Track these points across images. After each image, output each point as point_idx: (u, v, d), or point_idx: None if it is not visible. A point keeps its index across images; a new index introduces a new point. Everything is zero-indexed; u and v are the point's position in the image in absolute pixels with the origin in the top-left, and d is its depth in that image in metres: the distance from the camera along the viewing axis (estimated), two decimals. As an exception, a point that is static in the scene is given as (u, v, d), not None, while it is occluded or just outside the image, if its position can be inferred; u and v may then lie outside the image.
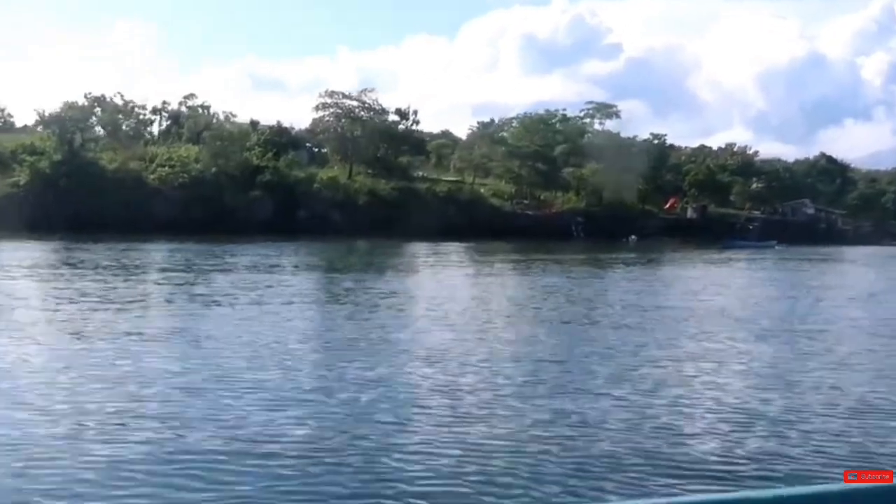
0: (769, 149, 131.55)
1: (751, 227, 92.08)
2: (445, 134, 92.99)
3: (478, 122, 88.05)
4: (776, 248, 64.49)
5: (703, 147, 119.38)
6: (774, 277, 38.07)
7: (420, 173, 74.34)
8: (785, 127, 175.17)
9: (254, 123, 70.69)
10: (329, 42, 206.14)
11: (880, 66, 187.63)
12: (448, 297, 24.24)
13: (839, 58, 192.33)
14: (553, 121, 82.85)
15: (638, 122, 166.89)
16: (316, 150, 74.00)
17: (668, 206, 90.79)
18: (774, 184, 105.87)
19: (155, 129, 75.42)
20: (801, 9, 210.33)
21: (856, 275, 39.88)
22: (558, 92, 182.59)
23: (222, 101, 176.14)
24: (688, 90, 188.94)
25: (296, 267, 34.28)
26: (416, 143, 73.14)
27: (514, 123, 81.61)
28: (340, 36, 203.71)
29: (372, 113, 67.41)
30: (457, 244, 54.84)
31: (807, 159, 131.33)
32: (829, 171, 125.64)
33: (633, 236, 67.48)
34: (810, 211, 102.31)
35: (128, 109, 72.77)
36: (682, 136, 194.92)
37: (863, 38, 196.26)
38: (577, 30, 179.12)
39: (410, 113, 72.13)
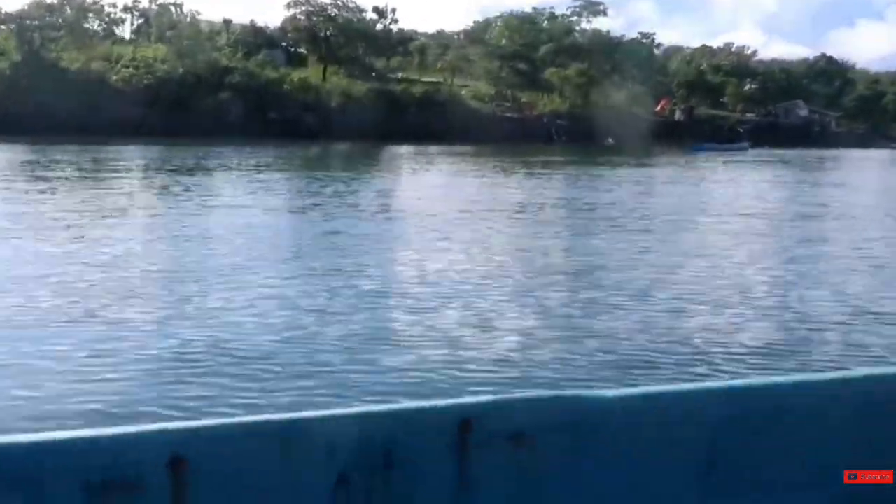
0: (779, 50, 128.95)
1: (741, 130, 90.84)
2: (440, 34, 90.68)
3: (473, 22, 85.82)
4: (749, 151, 62.65)
5: (704, 47, 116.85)
6: (716, 179, 37.32)
7: (400, 74, 72.74)
8: (795, 27, 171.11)
9: (226, 22, 68.93)
10: None
11: None
12: (392, 203, 23.86)
13: None
14: (540, 20, 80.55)
15: (645, 22, 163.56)
16: (293, 50, 72.20)
17: (658, 108, 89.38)
18: (769, 85, 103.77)
19: (127, 28, 73.63)
20: None
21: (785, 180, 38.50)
22: None
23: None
24: None
25: (265, 168, 33.74)
26: (394, 43, 71.17)
27: (499, 22, 79.41)
28: None
29: (346, 11, 65.30)
30: (431, 147, 53.96)
31: (805, 59, 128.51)
32: (828, 73, 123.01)
33: (609, 139, 66.38)
34: (804, 113, 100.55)
35: (97, 8, 70.89)
36: (691, 37, 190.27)
37: None
38: None
39: (388, 11, 70.10)
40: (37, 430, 2.05)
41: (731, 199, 26.76)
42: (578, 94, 76.55)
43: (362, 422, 2.04)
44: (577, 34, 79.69)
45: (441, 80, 72.23)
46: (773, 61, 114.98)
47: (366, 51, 69.53)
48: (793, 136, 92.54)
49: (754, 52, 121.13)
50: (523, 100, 74.19)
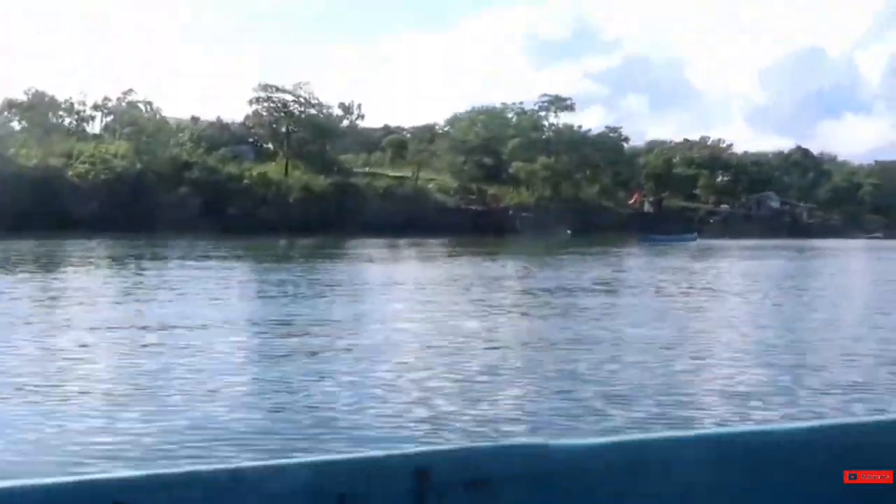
0: (767, 143, 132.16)
1: (711, 221, 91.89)
2: (427, 128, 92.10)
3: (444, 120, 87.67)
4: (696, 241, 63.36)
5: (686, 141, 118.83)
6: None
7: (367, 168, 73.72)
8: (783, 120, 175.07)
9: (194, 119, 70.15)
10: (327, 32, 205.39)
11: (879, 60, 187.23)
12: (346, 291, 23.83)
13: (838, 52, 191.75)
14: (507, 114, 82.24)
15: (637, 117, 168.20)
16: (261, 145, 73.35)
17: (632, 200, 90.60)
18: (741, 177, 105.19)
19: (97, 125, 74.93)
20: (798, 3, 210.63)
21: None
22: (559, 87, 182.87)
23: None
24: (687, 85, 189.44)
25: (219, 259, 33.59)
26: (360, 138, 72.36)
27: (466, 117, 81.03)
28: (338, 27, 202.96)
29: (309, 107, 66.53)
30: (395, 239, 54.19)
31: (780, 152, 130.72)
32: (802, 164, 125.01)
33: (568, 231, 67.21)
34: (775, 204, 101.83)
35: (67, 106, 72.38)
36: (681, 131, 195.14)
37: (861, 32, 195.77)
38: (576, 26, 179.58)
39: (354, 107, 71.48)
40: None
41: (645, 280, 27.48)
42: (545, 187, 77.52)
43: (316, 471, 1.96)
44: (544, 129, 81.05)
45: (408, 174, 73.18)
46: (746, 154, 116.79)
47: (331, 146, 70.51)
48: (765, 226, 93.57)
49: (729, 145, 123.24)
50: (490, 192, 75.06)
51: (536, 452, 2.15)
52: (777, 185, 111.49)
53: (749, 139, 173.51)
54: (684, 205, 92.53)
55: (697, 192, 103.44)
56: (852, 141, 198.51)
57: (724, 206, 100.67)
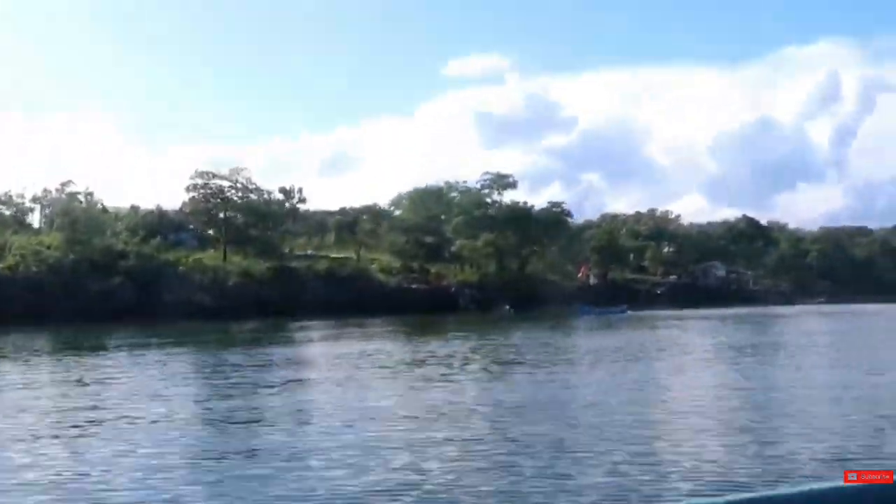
0: (724, 214, 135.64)
1: (658, 292, 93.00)
2: (368, 209, 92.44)
3: (389, 201, 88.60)
4: (626, 313, 64.60)
5: (636, 214, 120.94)
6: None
7: (309, 251, 73.94)
8: (739, 191, 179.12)
9: (134, 208, 70.21)
10: (292, 123, 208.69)
11: (827, 130, 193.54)
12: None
13: (788, 123, 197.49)
14: (448, 193, 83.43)
15: (595, 192, 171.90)
16: (203, 233, 73.35)
17: (580, 274, 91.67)
18: (687, 247, 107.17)
19: (37, 217, 74.67)
20: (748, 77, 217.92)
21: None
22: (515, 165, 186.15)
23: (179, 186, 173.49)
24: (643, 158, 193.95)
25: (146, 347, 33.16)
26: (311, 222, 72.73)
27: (407, 198, 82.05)
28: (302, 118, 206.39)
29: (246, 193, 66.89)
30: (337, 321, 53.89)
31: (725, 221, 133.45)
32: (748, 233, 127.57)
33: (507, 306, 67.91)
34: (721, 273, 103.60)
35: (6, 198, 72.21)
36: (639, 203, 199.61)
37: (809, 104, 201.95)
38: (532, 105, 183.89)
39: (295, 192, 72.03)
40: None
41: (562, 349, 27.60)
42: (489, 264, 78.25)
43: None
44: (487, 206, 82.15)
45: (351, 255, 73.47)
46: (692, 225, 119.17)
47: (274, 231, 70.73)
48: (711, 295, 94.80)
49: (677, 217, 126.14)
50: (433, 271, 75.49)
51: None
52: (723, 255, 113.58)
53: (705, 211, 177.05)
54: (633, 276, 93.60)
55: (646, 264, 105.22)
56: (806, 209, 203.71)
57: (673, 277, 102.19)
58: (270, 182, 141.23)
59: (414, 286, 69.28)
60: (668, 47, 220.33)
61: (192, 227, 71.74)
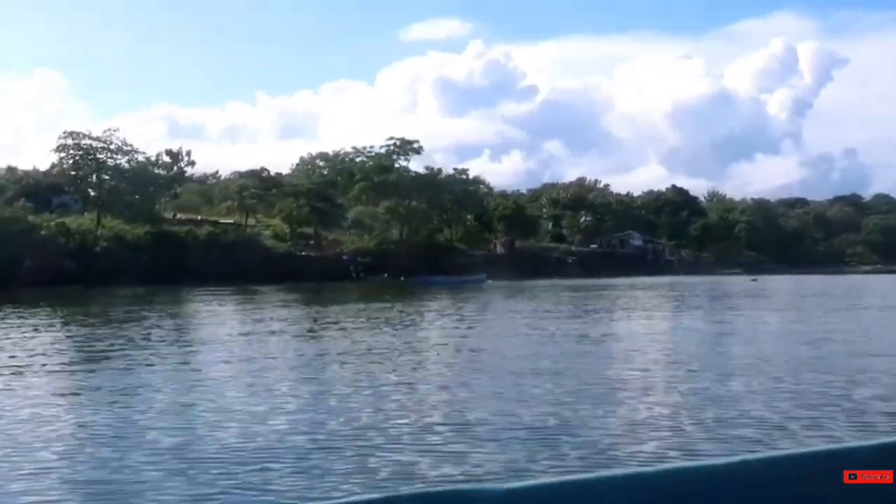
0: (682, 183, 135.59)
1: (569, 261, 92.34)
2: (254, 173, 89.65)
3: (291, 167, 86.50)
4: (484, 282, 61.65)
5: (560, 184, 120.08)
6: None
7: (200, 217, 71.81)
8: (697, 162, 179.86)
9: (10, 168, 67.49)
10: (249, 88, 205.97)
11: (784, 102, 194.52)
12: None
13: (746, 95, 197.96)
14: (347, 159, 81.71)
15: (556, 161, 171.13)
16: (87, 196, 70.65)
17: (491, 244, 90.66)
18: (607, 217, 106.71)
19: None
20: (706, 49, 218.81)
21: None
22: (476, 133, 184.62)
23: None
24: (603, 128, 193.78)
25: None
26: (184, 185, 70.46)
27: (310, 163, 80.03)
28: (260, 82, 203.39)
29: (120, 154, 64.26)
30: (214, 288, 51.91)
31: (651, 191, 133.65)
32: (674, 203, 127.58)
33: (402, 276, 66.13)
34: (638, 242, 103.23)
35: None
36: (600, 173, 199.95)
37: (766, 76, 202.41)
38: (492, 73, 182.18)
39: (183, 154, 69.70)
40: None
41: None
42: (387, 231, 76.82)
43: None
44: (389, 172, 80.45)
45: (238, 220, 71.45)
46: (611, 194, 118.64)
47: (163, 196, 68.44)
48: (626, 265, 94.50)
49: (606, 186, 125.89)
50: (331, 238, 73.87)
51: (463, 498, 2.05)
52: (645, 225, 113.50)
53: (664, 180, 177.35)
54: (546, 245, 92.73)
55: (564, 232, 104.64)
56: (763, 180, 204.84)
57: (594, 246, 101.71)
58: (225, 146, 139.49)
59: (304, 253, 67.52)
60: (629, 18, 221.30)
61: (68, 189, 68.84)
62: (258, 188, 69.51)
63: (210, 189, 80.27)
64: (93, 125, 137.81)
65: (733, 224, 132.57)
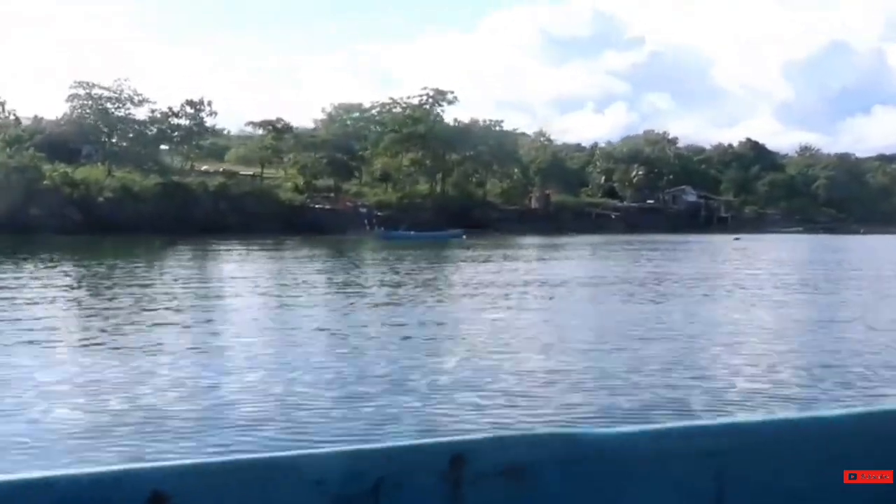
0: (796, 138, 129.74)
1: (613, 217, 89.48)
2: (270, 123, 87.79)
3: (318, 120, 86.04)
4: (461, 239, 57.23)
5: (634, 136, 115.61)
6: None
7: (222, 168, 72.32)
8: (810, 116, 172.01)
9: (38, 119, 69.28)
10: (346, 38, 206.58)
11: None
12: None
13: (865, 44, 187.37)
14: (374, 109, 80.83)
15: (660, 114, 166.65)
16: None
17: (527, 198, 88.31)
18: (656, 170, 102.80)
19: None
20: None
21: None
22: (579, 86, 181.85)
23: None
24: (711, 81, 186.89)
25: None
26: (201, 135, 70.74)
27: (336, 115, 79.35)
28: (359, 31, 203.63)
29: (132, 105, 64.85)
30: (226, 241, 52.29)
31: (720, 145, 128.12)
32: (744, 157, 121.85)
33: (408, 229, 64.03)
34: (691, 198, 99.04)
35: None
36: (706, 126, 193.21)
37: (887, 25, 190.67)
38: (598, 24, 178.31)
39: (204, 104, 70.07)
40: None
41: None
42: (414, 184, 75.85)
43: (351, 459, 2.01)
44: (418, 123, 79.11)
45: (258, 173, 71.66)
46: (685, 147, 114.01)
47: (150, 145, 68.27)
48: (675, 221, 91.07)
49: (674, 139, 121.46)
50: (351, 191, 73.42)
51: (572, 440, 2.18)
52: (707, 180, 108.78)
53: (777, 134, 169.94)
54: (581, 200, 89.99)
55: (615, 186, 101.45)
56: (883, 134, 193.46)
57: (650, 202, 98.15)
58: (322, 98, 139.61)
59: (316, 206, 67.29)
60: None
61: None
62: (274, 140, 69.29)
63: (234, 141, 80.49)
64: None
65: (813, 179, 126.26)
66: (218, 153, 78.98)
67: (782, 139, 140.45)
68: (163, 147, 72.22)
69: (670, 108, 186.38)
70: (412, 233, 58.01)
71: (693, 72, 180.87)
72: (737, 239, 65.44)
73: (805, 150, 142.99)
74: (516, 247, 51.47)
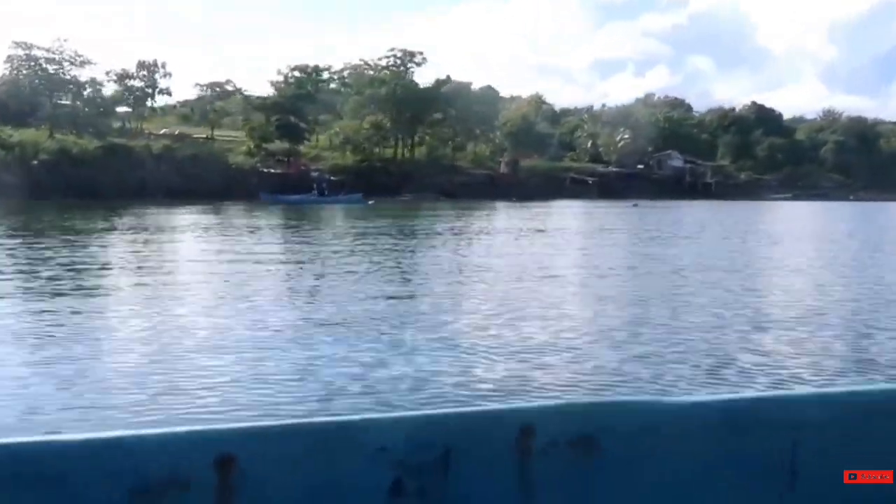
0: (841, 102, 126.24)
1: (589, 182, 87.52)
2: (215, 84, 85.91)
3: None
4: (362, 204, 54.71)
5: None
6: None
7: (164, 130, 71.29)
8: (856, 79, 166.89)
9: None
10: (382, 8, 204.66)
11: None
12: None
13: None
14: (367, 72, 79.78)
15: (703, 77, 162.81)
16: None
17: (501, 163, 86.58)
18: (647, 134, 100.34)
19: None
20: None
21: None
22: (616, 47, 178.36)
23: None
24: (755, 43, 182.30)
25: None
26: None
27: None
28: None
29: (73, 66, 64.04)
30: (167, 206, 51.55)
31: (720, 108, 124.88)
32: (744, 121, 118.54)
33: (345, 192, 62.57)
34: (676, 163, 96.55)
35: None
36: (750, 90, 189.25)
37: None
38: None
39: (158, 66, 69.22)
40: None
41: None
42: (370, 147, 74.71)
43: (419, 425, 2.03)
44: (381, 85, 77.77)
45: (209, 135, 70.82)
46: (654, 111, 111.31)
47: (94, 108, 67.35)
48: (658, 187, 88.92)
49: (677, 101, 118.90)
50: (310, 155, 72.41)
51: (642, 409, 2.18)
52: (700, 144, 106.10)
53: (821, 98, 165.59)
54: (551, 164, 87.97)
55: (601, 151, 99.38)
56: None
57: (640, 166, 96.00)
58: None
59: (268, 170, 66.39)
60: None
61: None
62: (221, 102, 68.37)
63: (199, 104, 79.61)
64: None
65: (822, 144, 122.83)
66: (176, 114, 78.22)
67: (827, 103, 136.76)
68: (120, 110, 71.49)
69: (712, 70, 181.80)
70: (294, 196, 56.27)
71: (735, 34, 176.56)
72: (634, 206, 62.75)
73: (829, 113, 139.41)
74: (418, 212, 49.33)
